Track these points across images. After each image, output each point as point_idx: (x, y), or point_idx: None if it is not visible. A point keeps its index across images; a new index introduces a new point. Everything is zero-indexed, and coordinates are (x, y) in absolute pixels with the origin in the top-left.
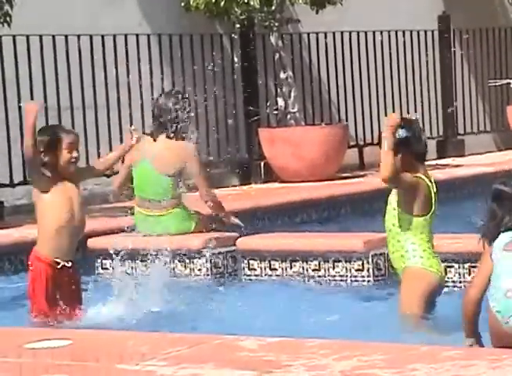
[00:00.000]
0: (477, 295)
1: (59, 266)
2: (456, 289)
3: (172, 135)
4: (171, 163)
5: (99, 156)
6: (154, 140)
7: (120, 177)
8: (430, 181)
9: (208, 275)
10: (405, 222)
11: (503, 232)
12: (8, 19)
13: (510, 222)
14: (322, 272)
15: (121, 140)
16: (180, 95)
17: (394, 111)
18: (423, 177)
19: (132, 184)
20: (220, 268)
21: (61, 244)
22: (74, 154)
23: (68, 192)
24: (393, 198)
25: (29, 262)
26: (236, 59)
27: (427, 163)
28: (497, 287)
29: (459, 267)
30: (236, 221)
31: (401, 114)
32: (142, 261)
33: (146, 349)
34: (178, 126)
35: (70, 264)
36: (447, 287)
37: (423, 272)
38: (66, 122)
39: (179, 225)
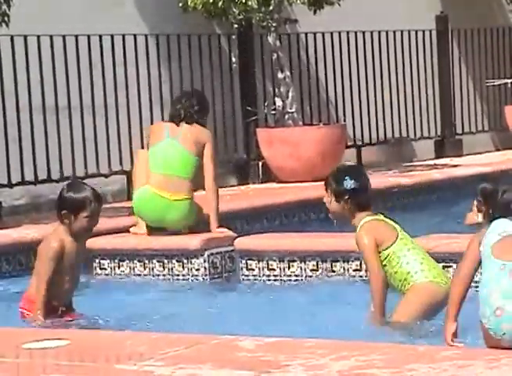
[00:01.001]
0: (465, 279)
1: (58, 312)
2: None
3: (190, 121)
4: (195, 143)
5: (97, 157)
6: (177, 125)
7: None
8: (377, 215)
9: (206, 275)
10: (387, 258)
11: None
12: (6, 19)
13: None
14: (320, 272)
15: (119, 140)
16: (194, 94)
17: (392, 109)
18: (370, 219)
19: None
20: (218, 268)
21: (59, 292)
22: (94, 223)
23: (77, 250)
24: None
25: (21, 309)
26: (233, 60)
27: (424, 162)
28: (486, 302)
29: (457, 267)
30: (219, 231)
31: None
32: (139, 261)
33: (144, 349)
34: (195, 116)
35: (64, 309)
36: None
37: (430, 284)
38: (63, 122)
39: (187, 216)
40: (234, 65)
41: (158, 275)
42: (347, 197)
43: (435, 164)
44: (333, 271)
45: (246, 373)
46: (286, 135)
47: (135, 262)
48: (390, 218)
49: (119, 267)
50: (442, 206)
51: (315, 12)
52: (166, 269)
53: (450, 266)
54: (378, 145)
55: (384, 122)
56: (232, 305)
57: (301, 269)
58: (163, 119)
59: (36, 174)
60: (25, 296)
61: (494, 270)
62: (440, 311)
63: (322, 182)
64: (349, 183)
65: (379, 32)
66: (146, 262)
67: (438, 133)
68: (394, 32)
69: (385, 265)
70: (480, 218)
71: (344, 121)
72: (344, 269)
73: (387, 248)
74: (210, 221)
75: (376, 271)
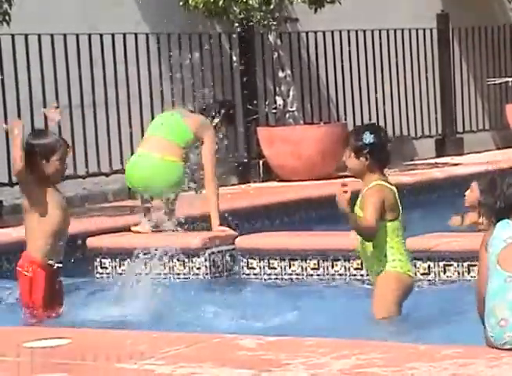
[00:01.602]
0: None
1: (54, 268)
2: (454, 287)
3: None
4: (197, 128)
5: (98, 154)
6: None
7: None
8: (391, 185)
9: (207, 274)
10: (381, 228)
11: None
12: (7, 18)
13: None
14: (321, 271)
15: (120, 139)
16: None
17: (393, 108)
18: (384, 184)
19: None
20: (219, 267)
21: (54, 247)
22: (65, 166)
23: (58, 197)
24: (358, 209)
25: (20, 267)
26: (234, 58)
27: (425, 161)
28: (492, 313)
29: (457, 266)
30: (220, 229)
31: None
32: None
33: (145, 348)
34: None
35: (61, 265)
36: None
37: (403, 276)
38: (64, 121)
39: (176, 179)
40: (235, 64)
41: (159, 274)
42: (365, 152)
43: (436, 163)
44: (334, 270)
45: (246, 371)
46: (286, 134)
47: (136, 260)
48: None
49: (120, 266)
50: (443, 205)
51: (315, 10)
52: (167, 268)
53: (451, 265)
54: None
55: (385, 121)
56: (233, 303)
57: (302, 267)
58: None
59: None
60: (24, 254)
61: (500, 282)
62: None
63: (323, 181)
64: (368, 137)
65: (379, 31)
66: (147, 260)
67: (439, 132)
68: (395, 31)
69: None
70: (466, 221)
71: (345, 119)
72: (345, 267)
73: (384, 221)
74: (210, 219)
75: (371, 220)
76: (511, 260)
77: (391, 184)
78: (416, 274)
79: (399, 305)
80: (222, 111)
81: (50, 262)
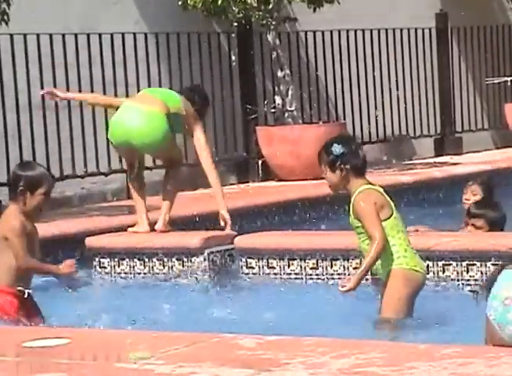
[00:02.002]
0: None
1: (24, 296)
2: (453, 287)
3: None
4: (188, 108)
5: (96, 155)
6: None
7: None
8: (376, 185)
9: (206, 273)
10: None
11: None
12: (5, 17)
13: None
14: (320, 271)
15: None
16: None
17: (391, 107)
18: (368, 186)
19: None
20: (218, 266)
21: (23, 274)
22: (48, 202)
23: (33, 230)
24: (353, 220)
25: None
26: (233, 58)
27: (424, 161)
28: (495, 296)
29: (456, 265)
30: (227, 217)
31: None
32: (140, 260)
33: (144, 348)
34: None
35: (31, 291)
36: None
37: (410, 273)
38: (63, 121)
39: (161, 132)
40: (234, 63)
41: (158, 273)
42: (339, 163)
43: (435, 162)
44: (333, 269)
45: (246, 371)
46: (285, 134)
47: (135, 260)
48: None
49: (119, 266)
50: (442, 204)
51: (314, 10)
52: (166, 268)
53: (450, 264)
54: (378, 143)
55: (384, 120)
56: (232, 303)
57: (301, 267)
58: None
59: None
60: None
61: (506, 275)
62: (419, 293)
63: (323, 181)
64: (337, 148)
65: (378, 30)
66: (146, 260)
67: (438, 131)
68: (394, 30)
69: None
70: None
71: (344, 119)
72: (344, 267)
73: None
74: (217, 202)
75: (379, 234)
76: None
77: (374, 185)
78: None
79: (409, 302)
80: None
81: (20, 288)
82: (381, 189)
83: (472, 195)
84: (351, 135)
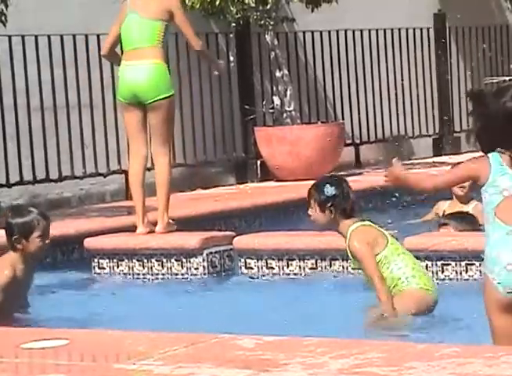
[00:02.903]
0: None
1: None
2: (452, 287)
3: None
4: (158, 10)
5: (95, 155)
6: None
7: (110, 36)
8: (363, 220)
9: (205, 274)
10: (379, 262)
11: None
12: (3, 18)
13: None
14: (318, 271)
15: (117, 140)
16: None
17: (390, 108)
18: (358, 224)
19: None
20: (216, 267)
21: (4, 316)
22: (47, 242)
23: (24, 277)
24: (354, 261)
25: None
26: (231, 58)
27: (423, 161)
28: (495, 262)
29: (455, 265)
30: (220, 62)
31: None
32: (138, 260)
33: (143, 349)
34: None
35: None
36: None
37: (421, 293)
38: (62, 122)
39: (161, 79)
40: (232, 64)
41: (157, 274)
42: (330, 205)
43: (433, 162)
44: (332, 269)
45: (245, 371)
46: (284, 134)
47: (134, 261)
48: (376, 224)
49: (118, 266)
50: None
51: (312, 10)
52: (165, 268)
53: (449, 264)
54: (376, 143)
55: (383, 120)
56: (231, 303)
57: (300, 267)
58: None
59: (34, 174)
60: None
61: (501, 234)
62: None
63: None
64: (330, 190)
65: (377, 30)
66: (145, 261)
67: (436, 131)
68: (392, 30)
69: None
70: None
71: (343, 119)
72: (342, 267)
73: (378, 253)
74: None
75: (380, 275)
76: (509, 214)
77: (363, 220)
78: None
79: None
80: None
81: None
82: (369, 223)
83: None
84: (341, 176)
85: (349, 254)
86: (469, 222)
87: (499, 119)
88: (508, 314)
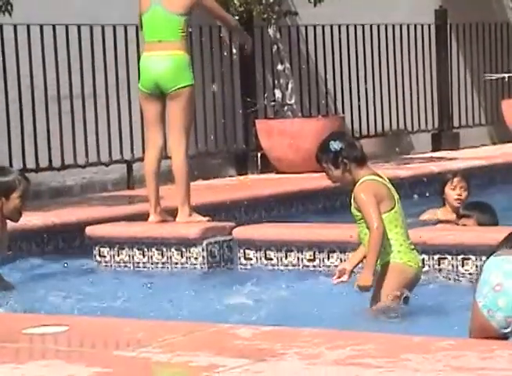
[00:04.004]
0: None
1: None
2: (449, 281)
3: None
4: (182, 4)
5: (98, 146)
6: None
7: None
8: (381, 177)
9: (204, 264)
10: None
11: None
12: (9, 7)
13: None
14: (317, 262)
15: (120, 130)
16: None
17: (390, 102)
18: (371, 177)
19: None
20: (216, 257)
21: None
22: (25, 202)
23: (1, 233)
24: (354, 209)
25: None
26: (234, 51)
27: (421, 155)
28: (485, 282)
29: (452, 259)
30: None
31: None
32: (139, 249)
33: (142, 336)
34: None
35: None
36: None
37: (402, 267)
38: (65, 111)
39: (183, 69)
40: (234, 56)
41: (157, 263)
42: (341, 159)
43: (432, 157)
44: (330, 261)
45: (242, 360)
46: (285, 127)
47: (135, 249)
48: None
49: (118, 255)
50: (439, 199)
51: (315, 4)
52: (165, 258)
53: (445, 258)
54: (376, 137)
55: (382, 115)
56: (229, 293)
57: (298, 258)
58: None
59: (37, 162)
60: None
61: (494, 262)
62: (412, 289)
63: (321, 174)
64: (335, 144)
65: (378, 26)
66: (145, 250)
67: (436, 126)
68: (394, 26)
69: None
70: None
71: (343, 113)
72: (341, 259)
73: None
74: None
75: (377, 224)
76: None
77: (380, 176)
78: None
79: (399, 295)
80: None
81: None
82: (386, 181)
83: (463, 191)
84: (342, 130)
85: (352, 202)
86: (492, 214)
87: None
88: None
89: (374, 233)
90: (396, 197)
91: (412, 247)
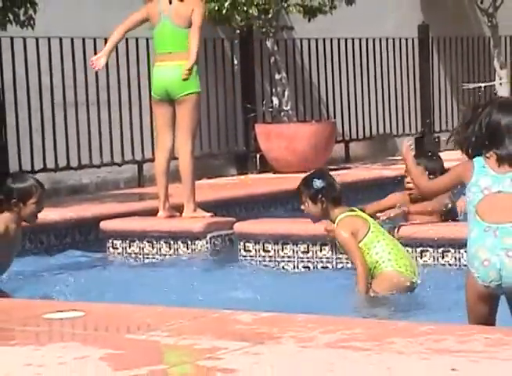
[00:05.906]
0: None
1: None
2: (431, 271)
3: None
4: (185, 16)
5: (111, 147)
6: (170, 2)
7: (129, 22)
8: (352, 210)
9: (208, 255)
10: (360, 248)
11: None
12: (32, 22)
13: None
14: (310, 254)
15: (131, 133)
16: None
17: (377, 108)
18: (345, 214)
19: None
20: (218, 249)
21: None
22: (41, 207)
23: (16, 237)
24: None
25: None
26: (235, 62)
27: None
28: (474, 257)
29: (433, 251)
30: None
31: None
32: (148, 242)
33: (151, 321)
34: None
35: None
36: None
37: (392, 273)
38: (82, 116)
39: (191, 76)
40: (236, 67)
41: (165, 254)
42: (320, 196)
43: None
44: (322, 253)
45: (242, 344)
46: (282, 130)
47: (144, 242)
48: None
49: (130, 247)
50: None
51: (309, 20)
52: (172, 250)
53: (427, 251)
54: (364, 140)
55: (370, 120)
56: (230, 282)
57: (293, 251)
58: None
59: (57, 162)
60: None
61: (479, 231)
62: (406, 293)
63: None
64: (318, 183)
65: (366, 39)
66: (154, 242)
67: (419, 130)
68: (381, 39)
69: None
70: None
71: (334, 118)
72: (332, 251)
73: (360, 241)
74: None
75: (360, 261)
76: (488, 211)
77: (352, 210)
78: None
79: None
80: None
81: None
82: (355, 212)
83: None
84: (326, 169)
85: (336, 242)
86: (438, 157)
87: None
88: (483, 302)
89: (359, 270)
90: (369, 219)
91: (404, 254)
